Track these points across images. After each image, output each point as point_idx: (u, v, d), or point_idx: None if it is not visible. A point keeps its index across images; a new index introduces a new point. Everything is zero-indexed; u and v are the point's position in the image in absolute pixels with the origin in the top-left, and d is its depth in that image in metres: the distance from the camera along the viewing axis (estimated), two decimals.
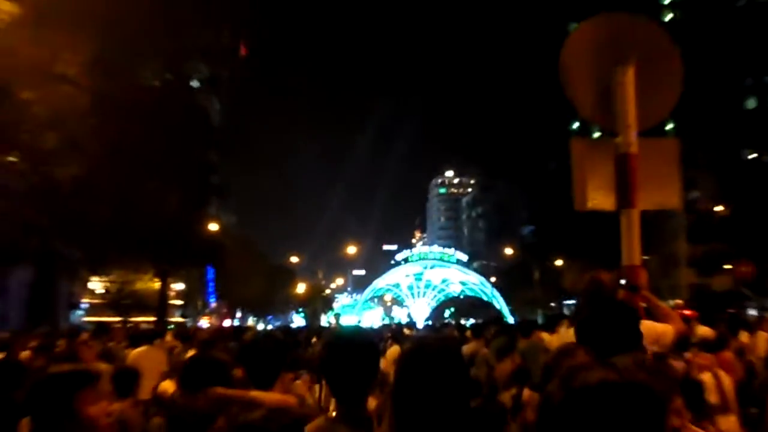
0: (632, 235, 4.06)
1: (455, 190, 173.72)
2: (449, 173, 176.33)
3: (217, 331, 18.64)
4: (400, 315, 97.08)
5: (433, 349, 2.35)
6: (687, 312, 16.37)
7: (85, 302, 45.29)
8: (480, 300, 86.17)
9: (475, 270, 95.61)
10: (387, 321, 78.98)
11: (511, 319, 48.92)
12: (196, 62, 35.32)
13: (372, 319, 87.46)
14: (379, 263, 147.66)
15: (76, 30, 19.81)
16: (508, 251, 77.21)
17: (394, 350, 10.62)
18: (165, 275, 34.67)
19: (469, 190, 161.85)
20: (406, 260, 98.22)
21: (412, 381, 2.24)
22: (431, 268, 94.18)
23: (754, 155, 53.74)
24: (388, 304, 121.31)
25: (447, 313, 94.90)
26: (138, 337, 11.34)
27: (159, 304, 34.41)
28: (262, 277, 57.28)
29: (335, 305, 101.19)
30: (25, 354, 9.95)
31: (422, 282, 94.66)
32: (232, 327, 35.32)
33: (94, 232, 24.24)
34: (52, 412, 2.44)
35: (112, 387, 5.68)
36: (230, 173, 39.41)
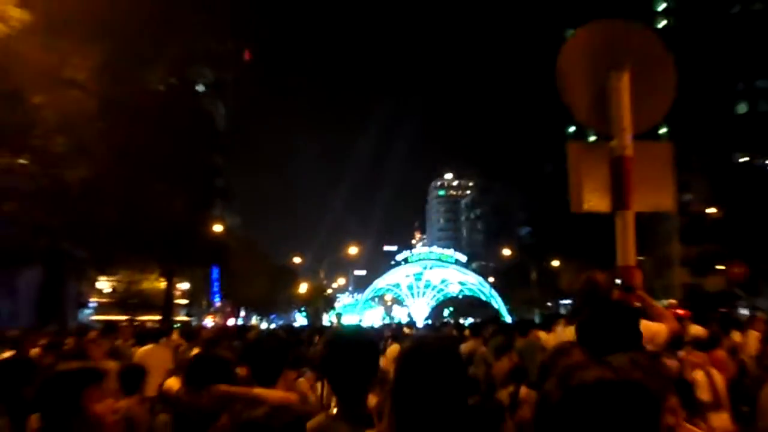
0: (627, 236, 4.06)
1: (454, 193, 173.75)
2: (448, 176, 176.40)
3: (222, 330, 18.64)
4: (400, 314, 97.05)
5: (431, 347, 2.35)
6: (680, 311, 16.34)
7: (93, 301, 45.31)
8: (478, 300, 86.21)
9: (474, 270, 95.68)
10: (387, 320, 78.99)
11: (508, 319, 48.89)
12: (201, 67, 35.36)
13: (373, 318, 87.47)
14: (379, 264, 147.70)
15: (84, 36, 19.85)
16: (506, 252, 77.18)
17: (393, 349, 10.60)
18: (171, 275, 34.68)
19: (468, 192, 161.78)
20: (406, 261, 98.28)
21: (411, 379, 2.24)
22: (431, 268, 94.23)
23: (746, 159, 53.75)
24: (389, 303, 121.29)
25: (446, 313, 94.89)
26: (144, 335, 11.34)
27: (165, 304, 34.42)
28: (266, 277, 57.28)
29: (337, 305, 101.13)
30: (34, 351, 9.95)
31: (422, 282, 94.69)
32: (236, 326, 35.33)
33: (102, 233, 24.26)
34: (59, 409, 2.43)
35: (119, 384, 5.68)
36: (234, 176, 39.49)
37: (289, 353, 3.72)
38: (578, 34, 4.55)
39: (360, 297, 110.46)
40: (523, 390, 5.62)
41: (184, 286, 48.23)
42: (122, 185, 22.95)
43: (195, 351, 8.52)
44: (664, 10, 78.38)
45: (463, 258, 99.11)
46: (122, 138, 21.69)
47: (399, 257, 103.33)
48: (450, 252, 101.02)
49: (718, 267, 40.27)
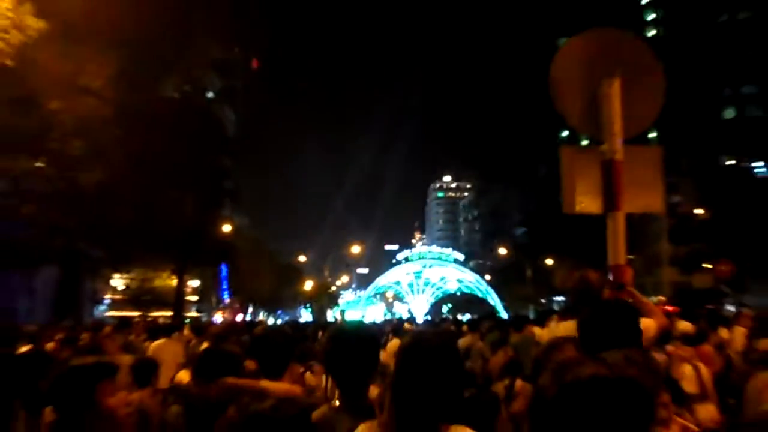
0: (618, 236, 4.06)
1: (453, 194, 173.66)
2: (447, 178, 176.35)
3: (230, 325, 18.61)
4: (400, 310, 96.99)
5: (430, 342, 2.36)
6: (669, 308, 16.32)
7: (108, 298, 45.31)
8: (476, 296, 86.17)
9: (471, 269, 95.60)
10: (389, 316, 78.91)
11: (504, 315, 48.85)
12: (211, 75, 35.45)
13: (374, 314, 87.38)
14: (381, 262, 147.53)
15: (100, 45, 19.87)
16: (502, 251, 77.11)
17: (394, 343, 10.58)
18: (182, 273, 34.70)
19: (466, 194, 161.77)
20: (406, 259, 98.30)
21: (410, 372, 2.25)
22: (430, 266, 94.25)
23: (732, 162, 53.69)
24: (390, 300, 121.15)
25: (445, 309, 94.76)
26: (157, 330, 11.33)
27: (176, 300, 34.45)
28: (272, 275, 57.30)
29: (340, 301, 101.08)
30: (50, 345, 9.96)
31: (422, 280, 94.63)
32: (244, 321, 35.34)
33: (116, 234, 24.29)
34: (73, 402, 2.43)
35: (132, 377, 5.68)
36: (243, 178, 39.55)
37: (294, 348, 3.72)
38: (571, 43, 4.55)
39: (362, 294, 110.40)
40: (518, 383, 5.61)
41: (195, 283, 48.25)
42: (136, 188, 22.99)
43: (204, 345, 8.53)
44: (654, 19, 78.33)
45: (461, 257, 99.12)
46: (136, 142, 21.73)
47: (400, 256, 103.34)
48: (448, 251, 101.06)
49: (706, 265, 40.26)
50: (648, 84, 4.33)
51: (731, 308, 33.34)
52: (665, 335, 6.63)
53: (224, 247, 37.15)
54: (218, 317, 48.12)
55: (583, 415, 1.71)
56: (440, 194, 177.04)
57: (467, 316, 36.79)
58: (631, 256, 4.37)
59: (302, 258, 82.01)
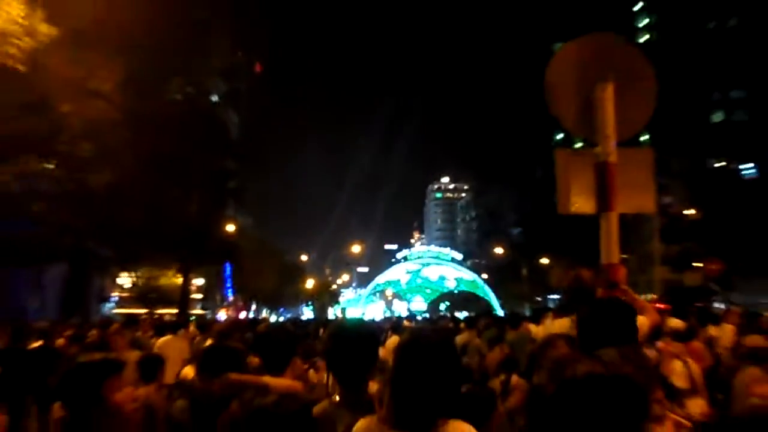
0: (611, 235, 4.06)
1: (451, 195, 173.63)
2: (445, 179, 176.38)
3: (234, 323, 18.62)
4: (400, 308, 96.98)
5: (427, 339, 2.36)
6: (660, 305, 16.34)
7: (115, 296, 45.29)
8: (473, 295, 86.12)
9: (469, 267, 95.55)
10: (388, 314, 78.95)
11: (500, 312, 48.85)
12: (216, 80, 35.41)
13: (374, 312, 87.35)
14: (381, 261, 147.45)
15: (109, 50, 19.88)
16: (499, 250, 77.10)
17: (393, 340, 10.57)
18: (187, 271, 34.67)
19: (463, 195, 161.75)
20: (405, 258, 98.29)
21: (409, 368, 2.25)
22: (428, 265, 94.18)
23: (721, 164, 53.75)
24: (389, 298, 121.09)
25: (443, 307, 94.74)
26: (163, 327, 11.33)
27: (181, 298, 34.40)
28: (275, 273, 57.26)
29: (341, 299, 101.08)
30: (59, 342, 9.95)
31: (420, 278, 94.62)
32: (247, 318, 35.34)
33: (124, 233, 24.29)
34: (81, 399, 2.42)
35: (138, 373, 5.67)
36: (246, 179, 39.42)
37: (296, 345, 3.71)
38: (566, 48, 4.54)
39: (362, 292, 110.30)
40: (514, 379, 5.61)
41: (200, 281, 48.25)
42: (144, 189, 22.98)
43: (208, 342, 8.52)
44: (646, 25, 78.34)
45: (459, 256, 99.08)
46: (143, 145, 21.72)
47: (399, 255, 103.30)
48: (446, 250, 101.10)
49: (696, 264, 40.33)
50: (640, 88, 4.33)
51: (720, 306, 33.37)
52: (656, 332, 6.63)
53: (228, 247, 37.13)
54: (222, 314, 48.19)
55: (580, 411, 1.71)
56: (438, 195, 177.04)
57: (464, 314, 36.76)
58: (624, 255, 4.37)
59: (304, 257, 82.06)
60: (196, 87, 29.34)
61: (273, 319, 53.38)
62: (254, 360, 3.51)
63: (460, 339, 10.89)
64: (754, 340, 8.21)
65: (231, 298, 57.90)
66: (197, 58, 28.06)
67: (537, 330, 10.50)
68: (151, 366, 5.86)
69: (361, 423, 2.31)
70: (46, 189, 21.33)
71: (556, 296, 51.40)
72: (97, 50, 19.44)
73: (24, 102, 17.94)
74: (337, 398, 2.68)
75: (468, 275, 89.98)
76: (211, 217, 32.40)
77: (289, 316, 64.06)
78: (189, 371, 5.65)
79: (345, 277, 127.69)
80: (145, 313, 25.27)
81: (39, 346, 8.57)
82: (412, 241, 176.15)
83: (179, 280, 35.99)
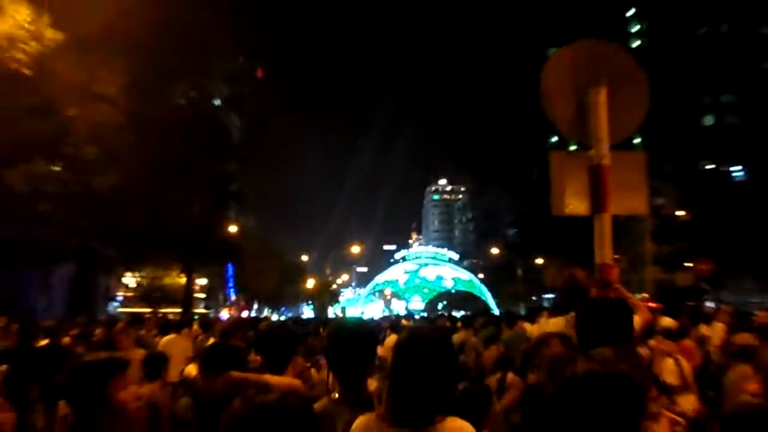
0: (604, 236, 4.06)
1: (448, 197, 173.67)
2: (443, 181, 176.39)
3: (236, 322, 18.59)
4: (398, 308, 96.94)
5: (424, 337, 2.36)
6: (652, 304, 16.32)
7: (120, 295, 45.29)
8: (470, 294, 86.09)
9: (466, 267, 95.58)
10: (387, 313, 78.85)
11: (496, 311, 48.82)
12: (218, 84, 35.38)
13: (373, 311, 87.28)
14: (380, 261, 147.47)
15: (112, 55, 19.88)
16: (495, 251, 77.17)
17: (391, 339, 10.56)
18: (190, 271, 34.66)
19: (460, 196, 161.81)
20: (404, 259, 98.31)
21: (407, 366, 2.25)
22: (426, 265, 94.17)
23: (712, 166, 53.81)
24: (388, 297, 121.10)
25: (440, 306, 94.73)
26: (167, 326, 11.31)
27: (185, 297, 34.39)
28: (276, 273, 57.25)
29: (341, 299, 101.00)
30: (65, 340, 9.94)
31: (418, 278, 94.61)
32: (249, 317, 35.30)
33: (129, 234, 24.28)
34: (85, 397, 2.41)
35: (143, 371, 5.67)
36: (248, 181, 39.43)
37: (297, 343, 3.71)
38: (560, 54, 4.54)
39: (362, 292, 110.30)
40: (510, 376, 5.61)
41: (203, 281, 48.25)
42: (147, 191, 22.95)
43: (211, 340, 8.52)
44: (638, 31, 78.46)
45: (456, 256, 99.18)
46: (147, 148, 21.71)
47: (397, 255, 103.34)
48: (444, 251, 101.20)
49: (687, 264, 40.34)
50: (633, 92, 4.33)
51: (711, 305, 33.40)
52: (649, 330, 6.64)
53: (230, 247, 37.10)
54: (225, 314, 48.09)
55: (579, 409, 1.71)
56: (436, 197, 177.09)
57: (461, 313, 36.76)
58: (617, 256, 4.36)
59: (305, 257, 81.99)
60: (198, 91, 29.33)
61: (274, 318, 53.35)
62: (255, 358, 3.51)
63: (457, 337, 10.87)
64: (744, 338, 8.21)
65: (233, 297, 57.89)
66: (200, 63, 28.07)
67: (532, 329, 10.49)
68: (155, 364, 5.86)
69: (360, 420, 2.31)
70: (53, 191, 21.31)
71: (550, 295, 51.44)
72: (102, 55, 19.45)
73: (30, 105, 17.93)
74: (337, 395, 2.68)
75: (465, 275, 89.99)
76: (214, 219, 32.39)
77: (290, 315, 64.02)
78: (192, 369, 5.65)
79: (345, 277, 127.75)
80: (150, 312, 25.25)
81: (46, 345, 8.56)
82: (411, 241, 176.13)
83: (183, 279, 35.99)
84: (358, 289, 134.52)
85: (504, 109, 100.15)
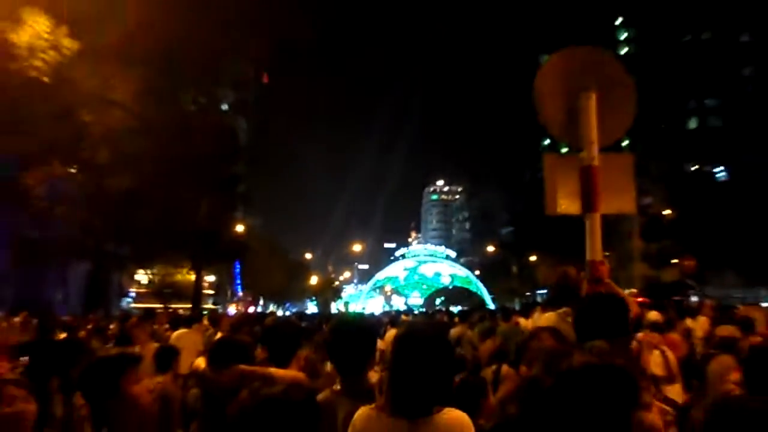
0: (595, 234, 4.05)
1: (445, 197, 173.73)
2: (440, 182, 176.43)
3: (244, 317, 18.59)
4: (398, 303, 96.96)
5: (421, 332, 2.37)
6: (640, 299, 16.35)
7: (133, 291, 45.28)
8: (466, 290, 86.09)
9: (462, 264, 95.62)
10: (387, 308, 78.89)
11: (492, 306, 48.83)
12: (226, 89, 35.39)
13: (374, 306, 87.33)
14: (380, 259, 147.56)
15: (126, 64, 19.90)
16: (491, 249, 77.15)
17: (391, 333, 10.55)
18: (199, 269, 34.65)
19: (458, 197, 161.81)
20: (403, 256, 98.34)
21: (405, 358, 2.25)
22: (425, 263, 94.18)
23: (696, 167, 53.79)
24: (388, 293, 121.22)
25: (438, 301, 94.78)
26: (178, 321, 11.32)
27: (194, 293, 34.40)
28: (282, 271, 57.27)
29: (343, 295, 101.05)
30: (81, 334, 9.95)
31: (417, 275, 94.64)
32: (256, 313, 35.29)
33: (141, 234, 24.29)
34: (100, 391, 2.40)
35: (154, 363, 5.67)
36: (255, 182, 39.42)
37: (301, 337, 3.71)
38: (552, 60, 4.54)
39: (363, 288, 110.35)
40: (504, 368, 5.60)
41: (211, 278, 48.22)
42: (159, 192, 22.96)
43: (219, 335, 8.51)
44: (626, 38, 78.42)
45: (453, 254, 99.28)
46: (158, 151, 21.71)
47: (397, 253, 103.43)
48: (442, 249, 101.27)
49: (673, 261, 40.37)
50: (621, 97, 4.32)
51: (695, 299, 33.44)
52: (637, 324, 6.64)
53: (238, 246, 37.11)
54: (232, 309, 48.17)
55: (577, 400, 1.71)
56: (434, 197, 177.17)
57: (458, 308, 36.77)
58: (606, 253, 4.36)
59: (308, 255, 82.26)
60: (207, 97, 29.35)
61: (279, 313, 53.37)
62: (260, 353, 3.51)
63: (454, 332, 10.89)
64: (727, 330, 8.22)
65: (240, 293, 57.94)
66: (209, 71, 28.07)
67: (526, 323, 10.52)
68: (167, 357, 5.86)
69: (361, 411, 2.31)
70: (69, 192, 21.33)
71: (543, 291, 51.43)
72: (117, 64, 19.47)
73: (48, 111, 17.96)
74: (338, 387, 2.68)
75: (462, 272, 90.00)
76: (222, 219, 32.37)
77: (294, 310, 64.09)
78: (201, 362, 5.64)
79: (347, 274, 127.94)
80: (161, 308, 25.27)
81: (64, 339, 8.57)
82: (410, 240, 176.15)
83: (192, 277, 35.98)
84: (359, 285, 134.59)
85: (499, 113, 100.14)
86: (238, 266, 51.21)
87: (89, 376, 2.47)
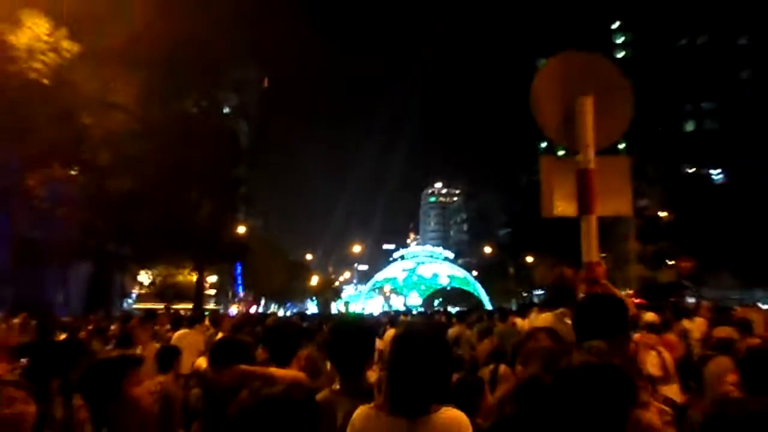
0: (591, 236, 4.06)
1: (443, 199, 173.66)
2: (438, 185, 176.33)
3: (245, 317, 18.58)
4: (397, 303, 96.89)
5: (419, 332, 2.38)
6: (636, 300, 16.34)
7: (135, 292, 45.20)
8: (464, 291, 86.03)
9: (460, 266, 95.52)
10: (386, 308, 78.81)
11: (489, 307, 48.82)
12: (227, 93, 35.37)
13: (373, 306, 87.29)
14: (379, 260, 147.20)
15: (127, 65, 19.88)
16: (488, 250, 77.19)
17: (390, 333, 10.56)
18: (201, 269, 34.64)
19: (455, 199, 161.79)
20: (402, 257, 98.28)
21: (403, 358, 2.26)
22: (423, 264, 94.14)
23: (693, 169, 53.84)
24: (387, 294, 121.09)
25: (436, 302, 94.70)
26: (179, 321, 11.32)
27: (196, 294, 34.39)
28: (282, 272, 57.24)
29: (343, 295, 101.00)
30: (81, 335, 9.94)
31: (415, 275, 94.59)
32: (257, 313, 35.28)
33: (142, 235, 24.28)
34: (100, 394, 2.39)
35: (156, 363, 5.67)
36: (256, 185, 39.42)
37: (302, 338, 3.72)
38: (549, 64, 4.55)
39: (363, 288, 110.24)
40: (502, 368, 5.60)
41: (213, 278, 48.14)
42: (161, 194, 22.95)
43: (219, 335, 8.51)
44: (623, 42, 78.51)
45: (451, 255, 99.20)
46: (160, 153, 21.71)
47: (396, 254, 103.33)
48: (440, 250, 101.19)
49: (669, 262, 40.37)
50: (617, 101, 4.33)
51: (691, 300, 33.43)
52: (633, 324, 6.64)
53: (239, 247, 37.11)
54: (234, 309, 48.09)
55: (576, 398, 1.71)
56: (432, 199, 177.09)
57: (456, 309, 36.75)
58: (603, 254, 4.37)
59: (309, 256, 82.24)
60: (209, 100, 29.35)
61: (280, 313, 53.33)
62: (261, 353, 3.52)
63: (452, 332, 10.89)
64: (724, 331, 8.22)
65: (242, 294, 57.85)
66: (210, 74, 28.08)
67: (523, 323, 10.51)
68: (168, 357, 5.86)
69: (360, 410, 2.31)
70: (70, 194, 21.31)
71: (540, 292, 51.45)
72: (117, 66, 19.46)
73: (49, 113, 17.94)
74: (338, 387, 2.69)
75: (460, 273, 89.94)
76: (223, 220, 32.38)
77: (295, 310, 64.03)
78: (202, 362, 5.65)
79: (347, 275, 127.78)
80: (163, 308, 25.22)
81: (64, 339, 8.56)
82: (408, 241, 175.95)
83: (194, 277, 35.97)
84: (359, 286, 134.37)
85: (496, 117, 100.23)
86: (240, 267, 51.15)
87: (90, 378, 2.46)
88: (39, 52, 16.57)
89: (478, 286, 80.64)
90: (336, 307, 68.08)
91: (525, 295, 58.64)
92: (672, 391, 6.31)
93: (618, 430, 1.74)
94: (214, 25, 26.04)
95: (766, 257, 32.56)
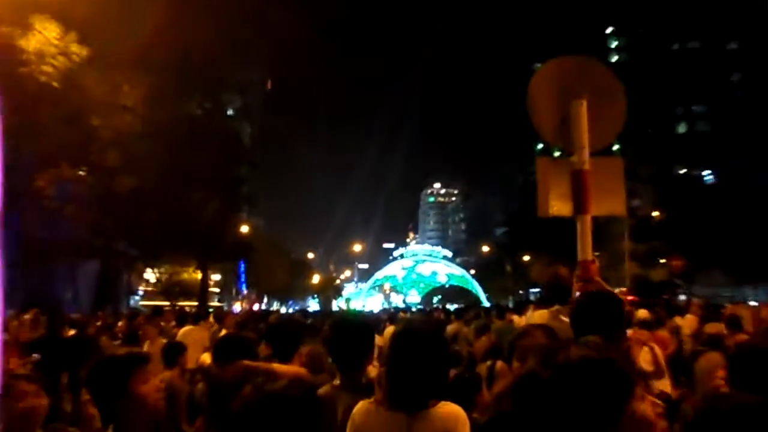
0: (586, 235, 4.05)
1: (442, 199, 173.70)
2: (437, 185, 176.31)
3: (249, 314, 18.60)
4: (396, 301, 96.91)
5: (417, 329, 2.39)
6: (630, 298, 16.35)
7: (141, 289, 45.19)
8: (462, 288, 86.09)
9: (458, 264, 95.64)
10: (386, 306, 78.81)
11: (487, 304, 48.79)
12: (231, 94, 35.39)
13: (374, 304, 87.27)
14: (379, 258, 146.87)
15: (134, 69, 19.89)
16: (485, 249, 77.23)
17: (389, 330, 10.55)
18: (205, 268, 34.66)
19: (454, 199, 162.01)
20: (402, 256, 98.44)
21: (402, 354, 2.26)
22: (422, 262, 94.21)
23: (685, 170, 53.87)
24: (387, 292, 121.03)
25: (435, 299, 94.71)
26: (185, 318, 11.31)
27: (200, 291, 34.40)
28: (285, 270, 57.23)
29: (344, 293, 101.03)
30: (90, 331, 9.93)
31: (415, 274, 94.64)
32: (260, 311, 35.30)
33: (149, 233, 24.28)
34: (107, 391, 2.38)
35: (162, 359, 5.67)
36: (258, 184, 39.43)
37: (303, 334, 3.72)
38: (545, 68, 4.55)
39: (363, 286, 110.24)
40: (499, 364, 5.59)
41: (217, 277, 48.15)
42: (166, 194, 22.95)
43: (223, 332, 8.52)
44: (616, 47, 78.54)
45: (450, 254, 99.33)
46: (166, 154, 21.70)
47: (396, 253, 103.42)
48: (438, 249, 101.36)
49: (662, 260, 40.38)
50: (611, 104, 4.33)
51: (683, 297, 33.47)
52: (626, 321, 6.64)
53: (242, 246, 37.13)
54: (237, 307, 48.09)
55: (573, 392, 1.71)
56: (431, 199, 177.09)
57: (455, 306, 36.73)
58: (597, 253, 4.37)
59: (311, 255, 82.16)
60: (213, 102, 29.36)
61: (283, 310, 53.33)
62: (264, 349, 3.52)
63: (450, 328, 10.89)
64: (714, 328, 8.22)
65: (245, 291, 57.84)
66: (215, 77, 28.10)
67: (520, 320, 10.51)
68: (173, 353, 5.87)
69: (360, 405, 2.31)
70: (78, 194, 21.30)
71: (536, 290, 51.43)
72: (125, 69, 19.47)
73: (58, 116, 17.93)
74: (338, 382, 2.69)
75: (458, 271, 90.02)
76: (227, 220, 32.38)
77: (297, 308, 64.04)
78: (207, 358, 5.65)
79: (347, 273, 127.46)
80: (169, 306, 25.24)
81: (73, 336, 8.57)
82: (408, 240, 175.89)
83: (198, 275, 35.99)
84: (359, 284, 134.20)
85: (493, 119, 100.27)
86: (243, 265, 51.16)
87: (97, 375, 2.44)
88: (49, 56, 16.56)
89: (476, 284, 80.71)
90: (337, 305, 68.08)
91: (521, 292, 58.63)
92: (663, 386, 6.31)
93: (614, 424, 1.74)
94: (219, 28, 26.03)
95: (755, 256, 32.61)
